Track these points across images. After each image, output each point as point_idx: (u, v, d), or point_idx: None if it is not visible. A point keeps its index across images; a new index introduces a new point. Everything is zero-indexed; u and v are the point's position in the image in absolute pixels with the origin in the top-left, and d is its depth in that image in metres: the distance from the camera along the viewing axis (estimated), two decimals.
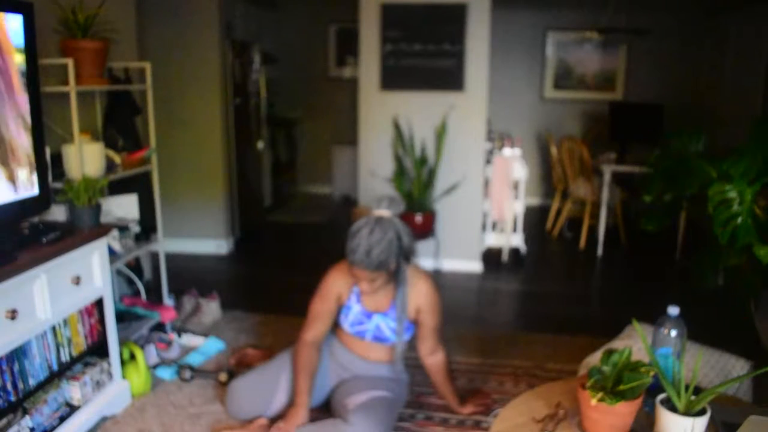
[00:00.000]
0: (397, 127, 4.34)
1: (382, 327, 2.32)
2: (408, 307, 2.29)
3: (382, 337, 2.34)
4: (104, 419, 2.44)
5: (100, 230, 2.39)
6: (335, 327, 2.45)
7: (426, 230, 4.30)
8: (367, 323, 2.33)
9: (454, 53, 4.22)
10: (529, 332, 3.43)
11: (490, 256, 4.76)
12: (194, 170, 4.72)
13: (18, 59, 2.07)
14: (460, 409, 2.48)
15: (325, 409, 2.42)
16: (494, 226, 4.87)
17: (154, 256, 3.58)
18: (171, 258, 3.88)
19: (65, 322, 2.24)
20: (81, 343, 2.34)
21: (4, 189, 2.04)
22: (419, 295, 2.30)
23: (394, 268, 2.21)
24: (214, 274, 4.40)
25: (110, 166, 2.81)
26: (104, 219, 2.62)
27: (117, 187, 3.05)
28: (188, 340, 3.18)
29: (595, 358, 2.20)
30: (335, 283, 2.35)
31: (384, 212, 2.18)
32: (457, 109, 4.30)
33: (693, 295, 2.90)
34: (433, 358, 2.42)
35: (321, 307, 2.36)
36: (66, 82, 2.52)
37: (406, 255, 2.22)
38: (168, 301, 3.35)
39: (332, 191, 7.14)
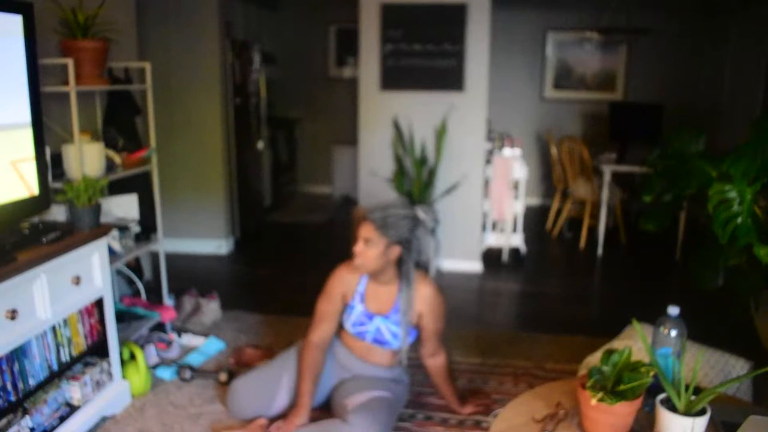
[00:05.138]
0: (397, 127, 4.34)
1: (383, 330, 2.32)
2: (410, 312, 2.29)
3: (382, 340, 2.34)
4: (104, 419, 2.44)
5: (100, 230, 2.39)
6: (339, 328, 2.45)
7: None
8: (368, 324, 2.33)
9: (454, 53, 4.22)
10: (529, 332, 3.43)
11: (490, 256, 4.76)
12: (194, 170, 4.72)
13: None
14: (460, 409, 2.49)
15: (325, 409, 2.42)
16: (494, 226, 4.87)
17: (154, 256, 3.58)
18: (171, 258, 3.89)
19: (65, 322, 2.24)
20: (81, 343, 2.34)
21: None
22: (421, 300, 2.30)
23: (395, 257, 2.22)
24: (214, 274, 4.40)
25: (110, 166, 2.81)
26: (104, 219, 2.61)
27: (117, 187, 3.05)
28: (188, 340, 3.18)
29: (595, 358, 2.20)
30: (340, 283, 2.36)
31: (420, 212, 2.27)
32: (457, 109, 4.30)
33: (693, 295, 2.89)
34: (434, 360, 2.42)
35: (327, 308, 2.37)
36: (66, 82, 2.52)
37: (412, 249, 2.23)
38: (168, 301, 3.35)
39: (332, 191, 7.14)
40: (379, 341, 2.34)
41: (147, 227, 3.13)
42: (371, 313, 2.32)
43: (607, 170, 4.93)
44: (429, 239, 2.30)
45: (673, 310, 1.60)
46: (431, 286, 2.31)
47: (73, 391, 2.29)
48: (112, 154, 2.86)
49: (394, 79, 4.32)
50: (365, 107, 4.42)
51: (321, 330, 2.36)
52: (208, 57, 4.57)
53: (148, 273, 3.67)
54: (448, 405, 2.51)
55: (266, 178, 6.11)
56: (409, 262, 2.25)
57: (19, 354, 2.02)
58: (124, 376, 2.61)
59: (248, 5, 5.84)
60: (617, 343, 2.25)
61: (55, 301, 2.15)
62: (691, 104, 6.27)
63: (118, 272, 3.25)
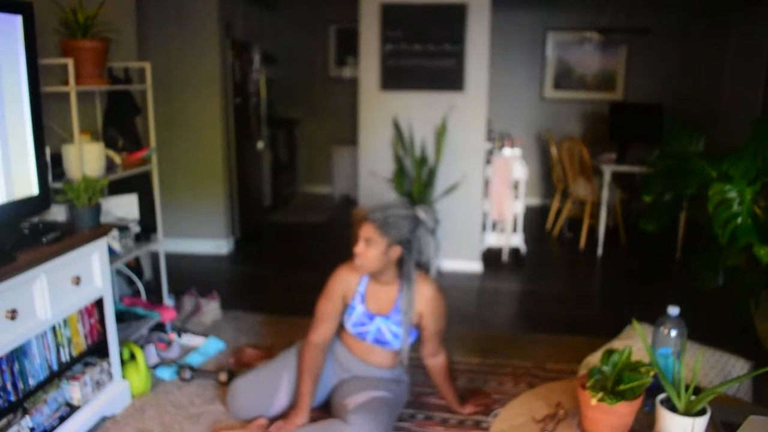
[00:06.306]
0: (397, 127, 4.34)
1: (383, 330, 2.32)
2: (411, 312, 2.29)
3: (382, 340, 2.34)
4: (104, 419, 2.44)
5: (100, 230, 2.39)
6: (339, 328, 2.45)
7: None
8: (368, 324, 2.33)
9: (454, 53, 4.22)
10: (529, 332, 3.43)
11: (490, 256, 4.76)
12: (194, 170, 4.72)
13: None
14: (460, 409, 2.49)
15: (324, 409, 2.42)
16: (494, 226, 4.87)
17: (154, 256, 3.58)
18: (171, 258, 3.88)
19: (65, 322, 2.24)
20: (81, 343, 2.34)
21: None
22: (422, 301, 2.30)
23: (396, 257, 2.22)
24: (214, 274, 4.40)
25: (110, 166, 2.81)
26: (104, 219, 2.61)
27: (117, 187, 3.05)
28: (188, 340, 3.18)
29: (595, 358, 2.20)
30: (340, 283, 2.36)
31: (420, 212, 2.26)
32: (457, 109, 4.30)
33: (693, 295, 2.90)
34: (434, 360, 2.42)
35: (327, 308, 2.37)
36: (66, 82, 2.52)
37: (413, 249, 2.24)
38: (168, 301, 3.35)
39: (332, 191, 7.14)
40: (379, 341, 2.34)
41: (147, 227, 3.13)
42: (372, 313, 2.32)
43: (607, 170, 4.93)
44: (429, 239, 2.30)
45: (673, 310, 1.60)
46: (432, 286, 2.32)
47: (73, 391, 2.29)
48: (112, 154, 2.85)
49: (394, 79, 4.32)
50: (365, 107, 4.42)
51: (321, 330, 2.37)
52: (208, 57, 4.57)
53: (148, 273, 3.67)
54: (448, 405, 2.51)
55: (266, 178, 6.12)
56: (409, 262, 2.25)
57: (19, 354, 2.02)
58: (124, 376, 2.61)
59: (248, 5, 5.84)
60: (617, 343, 2.25)
61: (55, 301, 2.15)
62: (691, 104, 6.26)
63: (118, 272, 3.25)
